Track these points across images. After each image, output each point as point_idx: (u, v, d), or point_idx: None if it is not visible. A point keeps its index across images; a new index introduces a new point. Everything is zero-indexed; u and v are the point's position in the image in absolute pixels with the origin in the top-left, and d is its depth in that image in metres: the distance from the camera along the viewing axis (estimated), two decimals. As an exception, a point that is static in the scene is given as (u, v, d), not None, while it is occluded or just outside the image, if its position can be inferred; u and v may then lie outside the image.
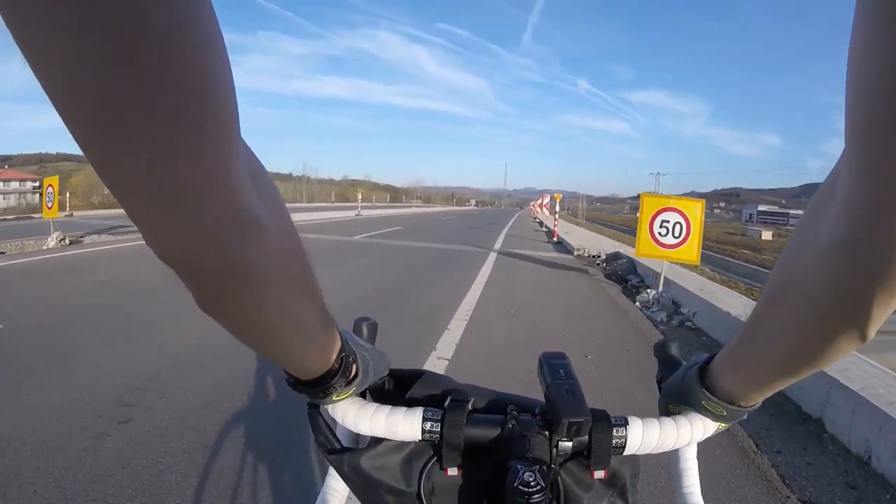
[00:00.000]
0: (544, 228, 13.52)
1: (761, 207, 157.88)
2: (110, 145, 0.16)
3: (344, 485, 0.45)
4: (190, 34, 0.15)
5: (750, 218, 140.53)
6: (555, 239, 11.16)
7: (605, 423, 0.41)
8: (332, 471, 0.46)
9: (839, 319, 0.27)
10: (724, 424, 0.43)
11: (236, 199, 0.20)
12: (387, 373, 0.46)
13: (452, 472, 0.41)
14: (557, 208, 12.16)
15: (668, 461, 0.50)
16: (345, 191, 53.12)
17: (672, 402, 0.46)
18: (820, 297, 0.26)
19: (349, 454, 0.42)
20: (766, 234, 58.59)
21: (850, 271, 0.24)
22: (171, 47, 0.15)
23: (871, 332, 0.26)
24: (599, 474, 0.41)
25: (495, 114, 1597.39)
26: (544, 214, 16.11)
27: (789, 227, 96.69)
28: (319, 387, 0.36)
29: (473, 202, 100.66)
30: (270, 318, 0.27)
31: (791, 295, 0.29)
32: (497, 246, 9.44)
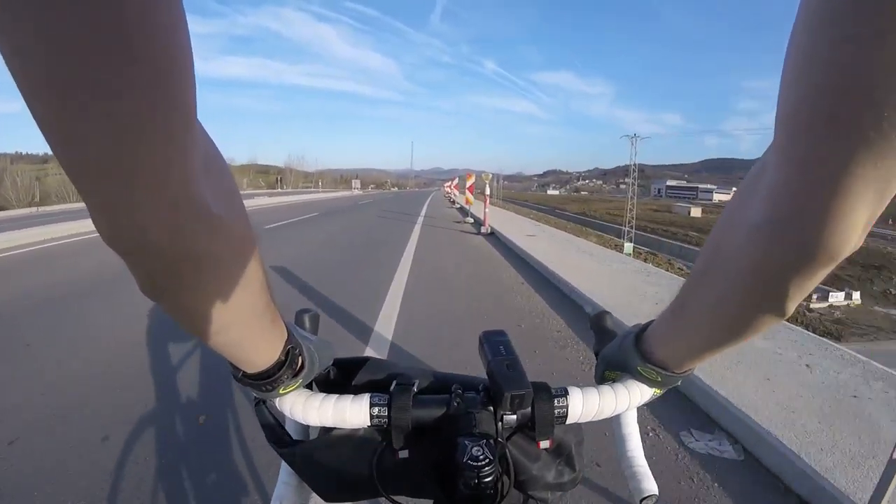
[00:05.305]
0: (468, 219, 13.14)
1: (669, 182, 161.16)
2: (69, 124, 0.16)
3: (298, 477, 0.46)
4: (157, 22, 0.16)
5: (659, 193, 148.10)
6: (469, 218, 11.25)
7: (546, 394, 0.43)
8: (285, 465, 0.46)
9: (759, 295, 0.28)
10: (658, 390, 0.44)
11: (186, 186, 0.20)
12: (332, 362, 0.46)
13: (403, 454, 0.41)
14: (488, 191, 10.24)
15: (611, 428, 0.51)
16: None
17: (609, 369, 0.48)
18: (743, 273, 0.28)
19: (300, 446, 0.44)
20: (696, 211, 56.22)
21: (770, 251, 0.25)
22: (138, 35, 0.15)
23: (790, 309, 0.28)
24: (545, 444, 0.43)
25: (404, 94, 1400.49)
26: (456, 194, 21.00)
27: (701, 201, 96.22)
28: (266, 379, 0.36)
29: (358, 184, 63.48)
30: (217, 308, 0.27)
31: (717, 271, 0.30)
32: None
